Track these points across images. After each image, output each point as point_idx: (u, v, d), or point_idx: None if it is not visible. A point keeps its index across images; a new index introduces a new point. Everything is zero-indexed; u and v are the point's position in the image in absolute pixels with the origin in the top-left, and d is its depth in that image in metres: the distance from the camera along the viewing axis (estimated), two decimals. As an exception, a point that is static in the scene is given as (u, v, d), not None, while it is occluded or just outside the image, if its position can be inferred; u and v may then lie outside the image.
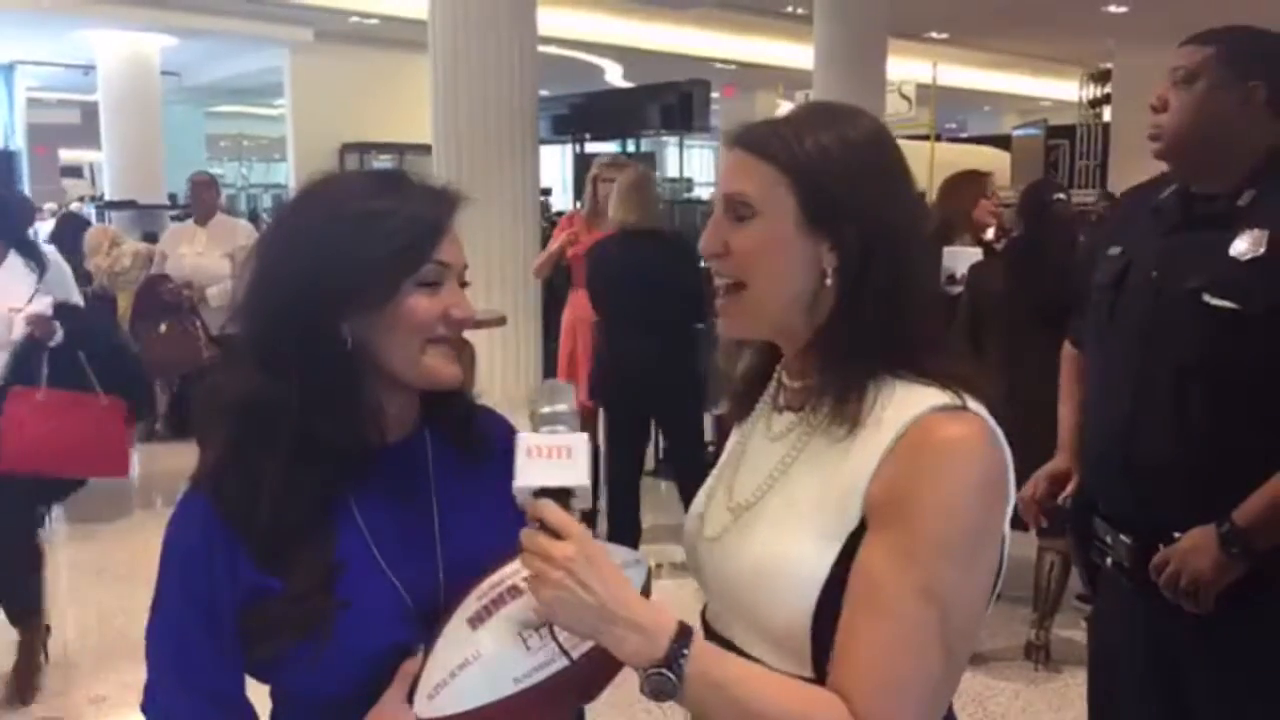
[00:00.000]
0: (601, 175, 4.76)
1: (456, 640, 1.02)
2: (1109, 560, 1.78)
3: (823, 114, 1.04)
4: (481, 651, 1.00)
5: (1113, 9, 11.63)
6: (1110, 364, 1.81)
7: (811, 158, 0.99)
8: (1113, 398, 1.77)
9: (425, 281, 1.08)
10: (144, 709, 1.11)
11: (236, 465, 1.07)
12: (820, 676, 0.94)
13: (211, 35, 12.23)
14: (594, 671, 1.03)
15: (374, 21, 11.82)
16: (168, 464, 6.28)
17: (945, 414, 0.94)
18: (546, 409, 0.98)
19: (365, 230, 1.07)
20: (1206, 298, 1.63)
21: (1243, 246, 1.61)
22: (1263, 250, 1.59)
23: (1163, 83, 1.74)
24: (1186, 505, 1.66)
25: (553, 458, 0.94)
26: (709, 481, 1.15)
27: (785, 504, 1.00)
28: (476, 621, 1.02)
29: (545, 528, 0.92)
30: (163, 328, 6.01)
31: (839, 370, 0.99)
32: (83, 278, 6.85)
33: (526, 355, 7.14)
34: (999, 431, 0.96)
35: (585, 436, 0.97)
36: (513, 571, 1.05)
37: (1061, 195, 3.84)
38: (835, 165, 0.98)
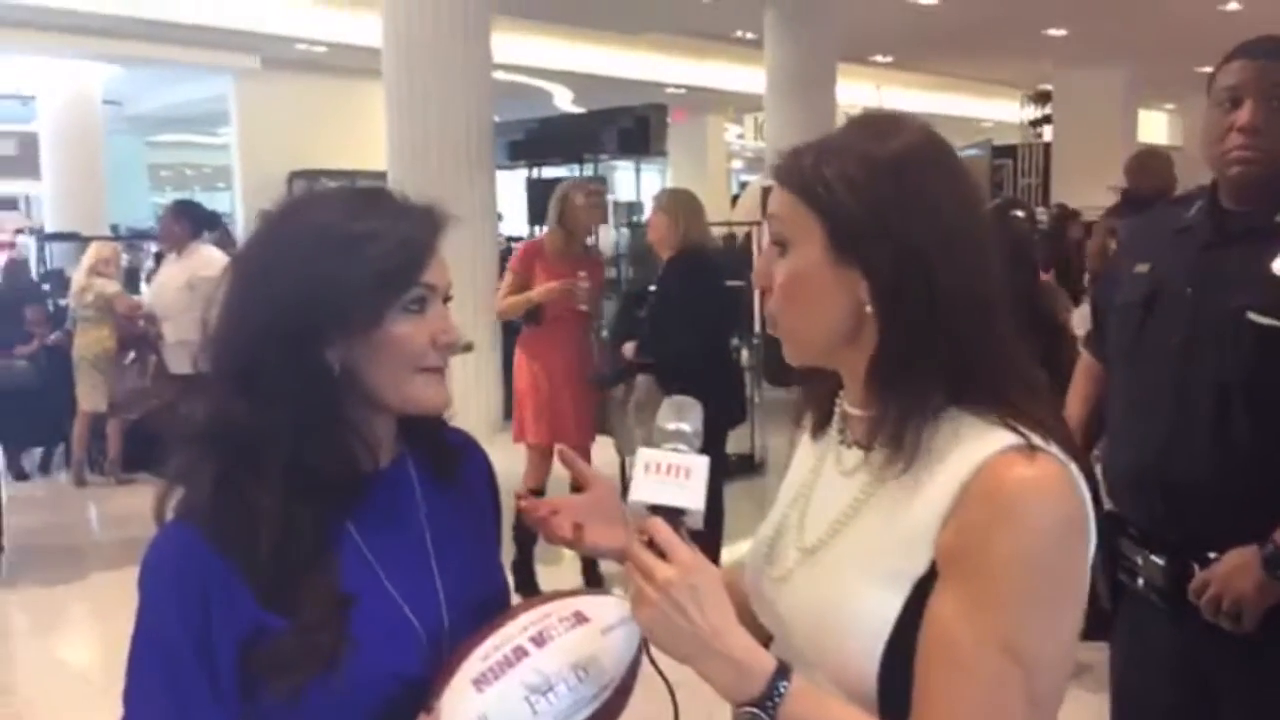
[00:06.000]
0: (590, 200, 4.52)
1: (461, 701, 1.00)
2: (1139, 581, 1.76)
3: (855, 132, 1.00)
4: (487, 715, 0.99)
5: (1051, 32, 11.92)
6: (1142, 382, 1.76)
7: (832, 186, 0.95)
8: (1147, 416, 1.73)
9: (410, 306, 1.06)
10: None
11: (231, 499, 1.02)
12: None
13: (155, 63, 12.05)
14: None
15: (322, 49, 11.73)
16: (119, 505, 6.12)
17: (1016, 455, 0.89)
18: (671, 426, 0.98)
19: (349, 254, 1.03)
20: (1252, 316, 1.60)
21: None
22: None
23: (1255, 99, 1.63)
24: (1224, 525, 1.64)
25: (670, 476, 0.94)
26: (777, 514, 1.11)
27: (854, 548, 0.97)
28: (482, 683, 1.00)
29: (653, 545, 0.91)
30: (127, 359, 5.88)
31: (890, 404, 0.95)
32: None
33: (489, 381, 7.10)
34: (1076, 472, 0.91)
35: (706, 460, 0.96)
36: (519, 631, 1.04)
37: (1019, 212, 3.86)
38: (856, 191, 0.94)
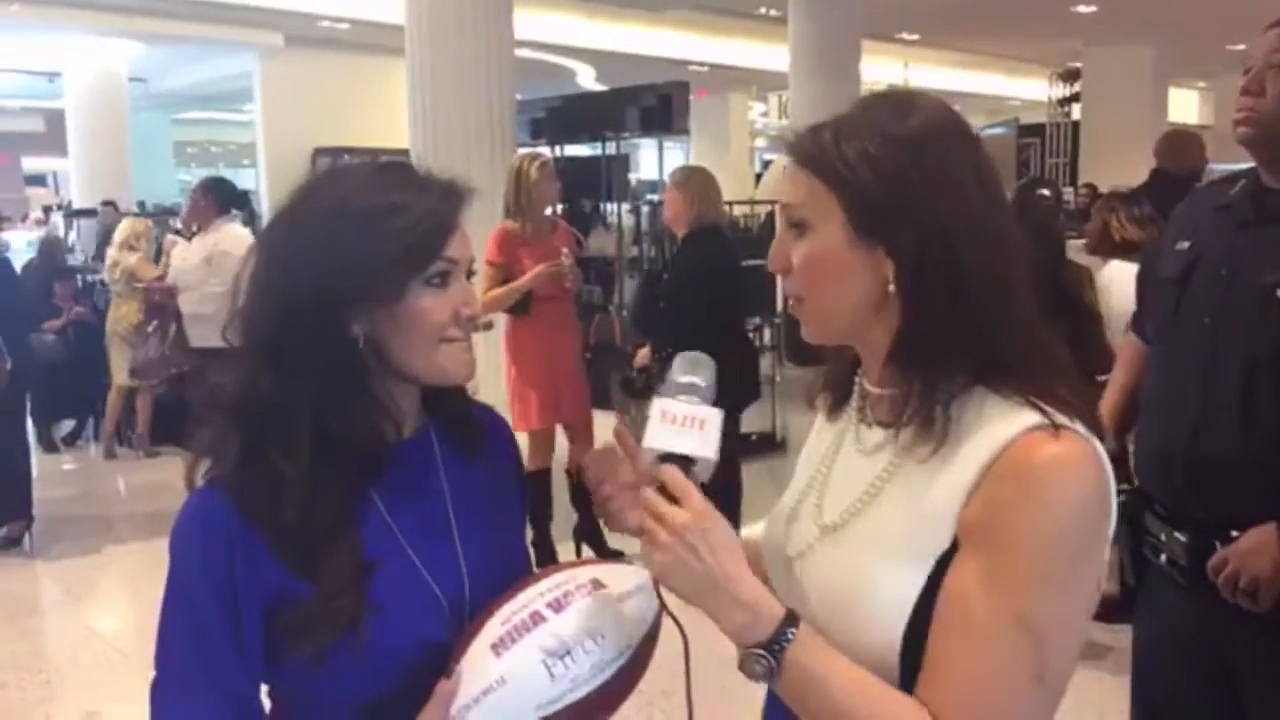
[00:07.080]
0: (544, 171, 4.26)
1: (480, 665, 1.01)
2: (1163, 557, 1.77)
3: (872, 110, 0.99)
4: (506, 678, 1.00)
5: (1080, 9, 11.75)
6: (1175, 358, 1.78)
7: (852, 164, 0.94)
8: (1178, 392, 1.74)
9: (433, 280, 1.07)
10: (153, 710, 1.07)
11: (257, 468, 1.05)
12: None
13: (180, 41, 12.11)
14: (615, 695, 1.05)
15: (345, 26, 11.75)
16: (149, 477, 6.21)
17: (1042, 434, 0.89)
18: (684, 379, 0.99)
19: (373, 228, 1.05)
20: None
21: None
22: None
23: (1259, 65, 1.66)
24: (1249, 503, 1.64)
25: (685, 426, 0.96)
26: (794, 492, 1.11)
27: (876, 526, 0.97)
28: (500, 648, 1.02)
29: (665, 492, 0.92)
30: (150, 328, 6.01)
31: (917, 383, 0.95)
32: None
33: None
34: (1101, 450, 0.91)
35: (720, 413, 0.97)
36: (536, 597, 1.06)
37: (1045, 191, 3.83)
38: (879, 169, 0.93)
